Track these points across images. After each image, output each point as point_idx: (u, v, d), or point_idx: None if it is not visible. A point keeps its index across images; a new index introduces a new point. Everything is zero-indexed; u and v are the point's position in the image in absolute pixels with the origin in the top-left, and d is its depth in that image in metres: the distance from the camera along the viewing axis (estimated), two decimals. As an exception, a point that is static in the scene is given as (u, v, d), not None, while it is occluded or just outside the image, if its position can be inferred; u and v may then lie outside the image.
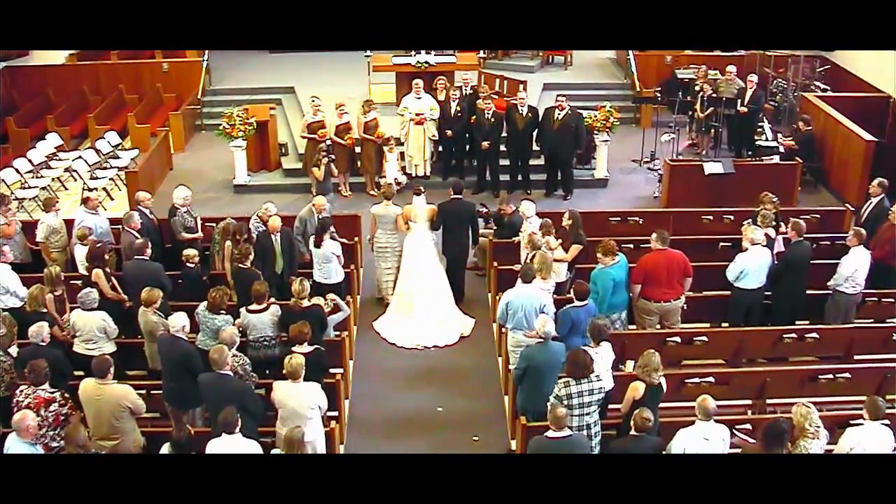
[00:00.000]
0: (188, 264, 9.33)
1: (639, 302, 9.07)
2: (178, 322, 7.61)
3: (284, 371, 7.05)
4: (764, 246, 9.17)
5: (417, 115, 13.39)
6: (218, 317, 8.09)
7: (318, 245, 9.48)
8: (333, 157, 12.43)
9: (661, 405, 7.19)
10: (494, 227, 10.96)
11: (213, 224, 10.31)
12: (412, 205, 10.31)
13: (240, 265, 8.93)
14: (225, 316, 8.11)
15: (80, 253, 9.50)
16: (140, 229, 9.67)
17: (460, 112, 13.44)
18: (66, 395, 7.20)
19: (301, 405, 7.01)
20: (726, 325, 9.56)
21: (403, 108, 13.52)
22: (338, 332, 8.98)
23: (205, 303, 8.16)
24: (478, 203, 11.68)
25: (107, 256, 9.21)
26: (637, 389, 6.96)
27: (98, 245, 9.15)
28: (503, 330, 8.72)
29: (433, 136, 13.58)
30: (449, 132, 13.48)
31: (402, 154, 13.65)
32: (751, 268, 9.07)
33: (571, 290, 8.27)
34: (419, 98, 13.50)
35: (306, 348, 7.57)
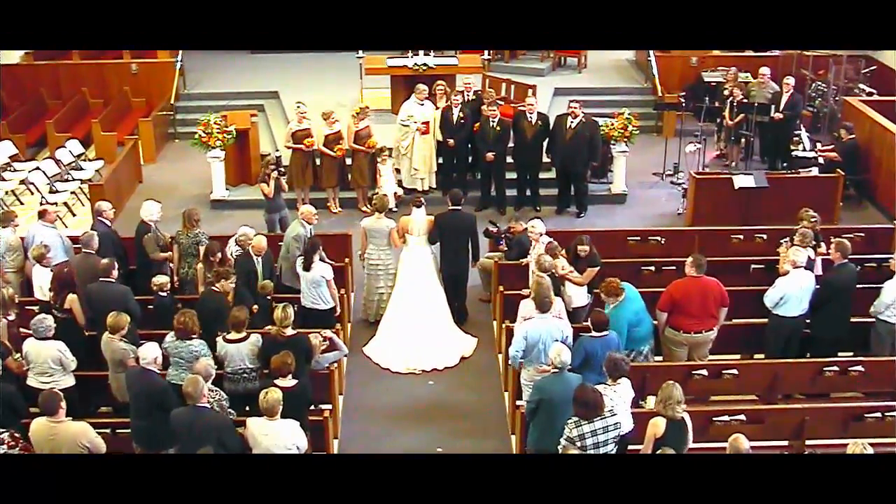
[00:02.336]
0: (160, 293, 9.39)
1: (666, 331, 9.14)
2: (150, 354, 7.65)
3: (260, 407, 7.10)
4: (805, 269, 9.26)
5: (424, 123, 13.50)
6: (192, 342, 8.14)
7: (307, 268, 9.55)
8: (283, 170, 12.41)
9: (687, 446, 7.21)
10: (506, 249, 11.02)
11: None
12: (410, 216, 10.42)
13: (212, 288, 9.00)
14: (198, 340, 8.16)
15: (39, 276, 9.55)
16: (99, 248, 9.72)
17: (463, 119, 13.54)
18: (17, 434, 7.22)
19: (276, 445, 7.06)
20: (759, 356, 9.61)
21: (408, 115, 13.59)
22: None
23: (171, 332, 8.20)
24: (486, 221, 11.74)
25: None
26: (657, 426, 7.00)
27: (66, 269, 9.23)
28: (516, 365, 8.70)
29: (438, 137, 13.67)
30: (451, 142, 13.58)
31: (396, 166, 13.74)
32: (793, 293, 9.13)
33: (589, 320, 8.31)
34: (422, 105, 13.62)
35: (289, 381, 7.61)
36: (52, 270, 9.40)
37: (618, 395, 7.44)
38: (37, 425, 7.18)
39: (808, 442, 8.37)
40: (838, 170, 13.29)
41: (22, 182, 14.43)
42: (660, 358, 9.33)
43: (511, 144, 13.61)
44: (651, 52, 16.87)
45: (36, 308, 9.13)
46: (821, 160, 13.81)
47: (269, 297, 9.33)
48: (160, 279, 9.40)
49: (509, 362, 8.67)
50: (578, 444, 6.86)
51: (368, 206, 13.30)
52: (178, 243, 10.21)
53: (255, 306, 9.06)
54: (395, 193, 13.21)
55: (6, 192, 14.19)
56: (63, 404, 7.14)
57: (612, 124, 13.67)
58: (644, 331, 8.91)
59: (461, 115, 13.51)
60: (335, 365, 9.06)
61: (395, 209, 12.83)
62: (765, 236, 11.45)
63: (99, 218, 10.40)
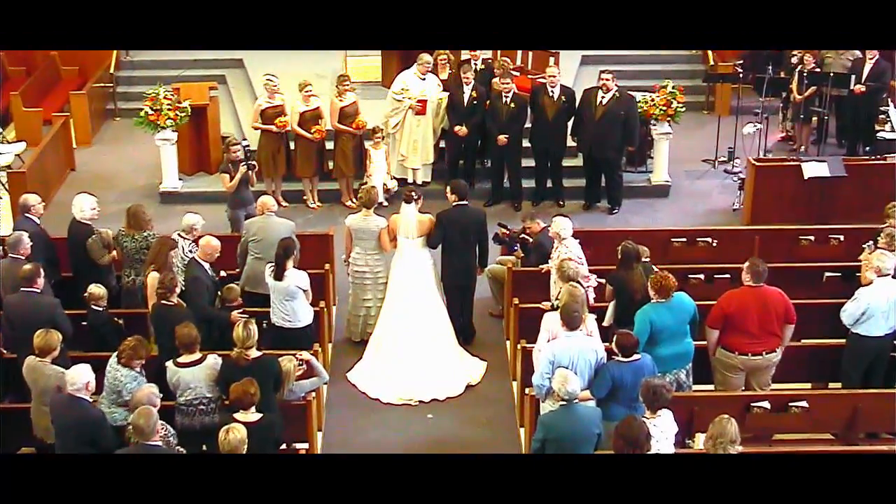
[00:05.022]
0: (94, 306, 9.39)
1: (718, 353, 9.12)
2: (80, 378, 7.63)
3: (220, 449, 7.09)
4: (893, 277, 9.23)
5: (419, 101, 13.49)
6: (127, 371, 8.09)
7: (279, 277, 9.54)
8: (254, 164, 12.28)
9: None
10: (522, 255, 11.00)
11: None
12: (400, 215, 10.41)
13: (163, 301, 8.99)
14: (131, 372, 8.12)
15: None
16: (30, 254, 9.72)
17: (476, 99, 13.37)
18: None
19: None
20: (835, 385, 9.58)
21: (402, 89, 13.59)
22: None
23: (114, 355, 8.20)
24: (496, 222, 11.70)
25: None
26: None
27: None
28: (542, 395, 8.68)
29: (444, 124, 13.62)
30: (462, 129, 13.37)
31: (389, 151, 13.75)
32: (878, 307, 9.08)
33: (614, 342, 8.33)
34: (423, 79, 13.59)
35: (252, 415, 7.60)
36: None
37: (659, 431, 7.41)
38: None
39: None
40: (935, 155, 13.31)
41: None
42: (711, 387, 9.31)
43: (528, 125, 13.62)
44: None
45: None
46: (913, 143, 13.80)
47: (235, 305, 9.38)
48: (96, 289, 9.41)
49: (535, 393, 8.64)
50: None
51: (354, 199, 13.32)
52: (121, 247, 10.21)
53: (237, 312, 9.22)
54: (385, 185, 13.17)
55: None
56: None
57: (653, 100, 13.67)
58: (670, 351, 8.87)
59: (473, 94, 13.38)
60: (313, 394, 9.05)
61: (385, 204, 12.82)
62: (841, 237, 11.45)
63: (26, 214, 10.39)
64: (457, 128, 13.43)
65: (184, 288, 9.37)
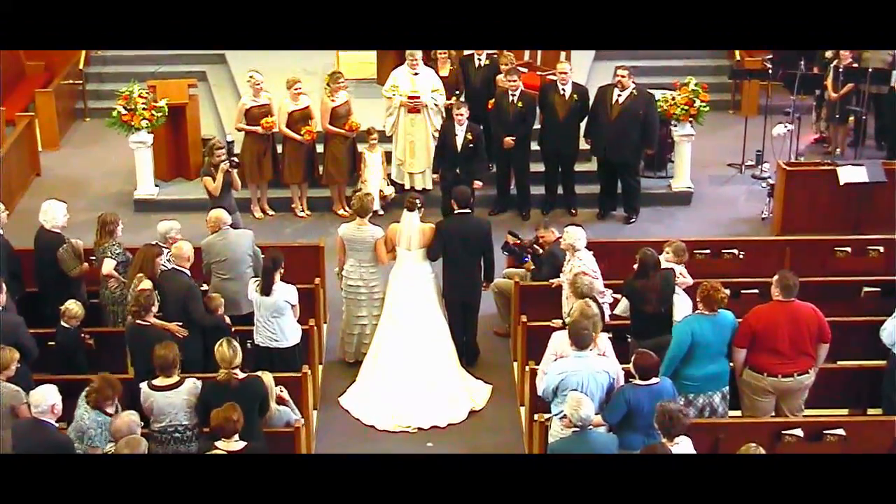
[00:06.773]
0: (65, 323, 9.40)
1: (744, 374, 9.11)
2: (45, 399, 7.65)
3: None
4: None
5: (410, 98, 13.50)
6: (94, 416, 8.05)
7: (266, 291, 9.55)
8: (236, 160, 12.30)
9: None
10: (532, 267, 10.99)
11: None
12: (400, 223, 10.44)
13: (138, 321, 8.99)
14: (98, 417, 8.05)
15: None
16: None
17: (471, 142, 12.73)
18: None
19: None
20: (875, 411, 9.58)
21: (392, 86, 13.60)
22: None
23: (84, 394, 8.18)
24: (506, 231, 11.68)
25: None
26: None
27: None
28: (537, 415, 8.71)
29: (435, 130, 13.52)
30: (478, 184, 12.65)
31: (387, 154, 13.77)
32: (922, 325, 9.11)
33: (631, 363, 8.33)
34: (416, 74, 13.61)
35: (236, 443, 7.60)
36: None
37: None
38: None
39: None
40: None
41: None
42: (738, 412, 9.31)
43: (537, 126, 13.64)
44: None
45: None
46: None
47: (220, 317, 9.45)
48: (74, 307, 9.44)
49: (540, 393, 8.64)
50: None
51: (346, 208, 13.32)
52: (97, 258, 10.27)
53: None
54: (381, 192, 13.19)
55: None
56: None
57: (674, 98, 13.68)
58: (706, 370, 8.90)
59: (469, 136, 12.81)
60: (302, 421, 9.07)
61: (381, 212, 12.83)
62: (881, 249, 11.48)
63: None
64: (477, 184, 12.69)
65: (172, 297, 9.43)
